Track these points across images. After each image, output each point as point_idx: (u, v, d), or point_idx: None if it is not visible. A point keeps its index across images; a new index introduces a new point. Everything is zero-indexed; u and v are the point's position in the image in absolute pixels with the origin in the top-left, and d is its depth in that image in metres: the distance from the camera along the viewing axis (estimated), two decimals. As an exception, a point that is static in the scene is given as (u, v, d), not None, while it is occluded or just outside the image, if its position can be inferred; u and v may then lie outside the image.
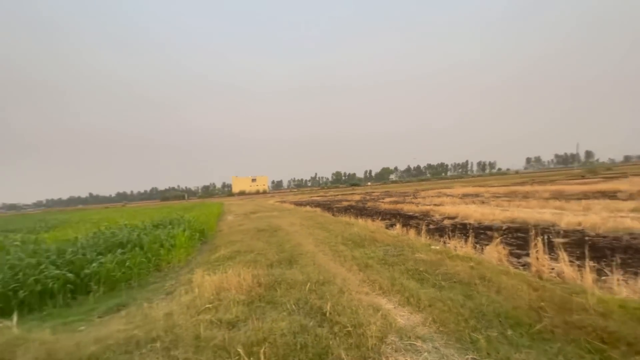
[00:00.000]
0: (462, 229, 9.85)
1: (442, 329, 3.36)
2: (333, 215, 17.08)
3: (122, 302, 5.38)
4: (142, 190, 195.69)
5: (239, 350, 2.98)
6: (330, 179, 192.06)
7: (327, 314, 3.65)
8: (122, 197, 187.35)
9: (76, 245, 8.11)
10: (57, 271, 5.99)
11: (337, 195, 51.03)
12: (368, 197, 34.08)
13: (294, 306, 4.00)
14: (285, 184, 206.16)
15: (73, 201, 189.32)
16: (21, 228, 19.39)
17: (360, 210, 19.01)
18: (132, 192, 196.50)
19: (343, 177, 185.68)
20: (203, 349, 3.12)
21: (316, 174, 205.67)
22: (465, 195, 24.08)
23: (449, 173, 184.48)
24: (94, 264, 6.42)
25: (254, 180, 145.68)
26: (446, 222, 11.89)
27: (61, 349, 3.25)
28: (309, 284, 4.70)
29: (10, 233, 15.99)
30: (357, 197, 35.61)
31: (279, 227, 12.59)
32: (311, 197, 51.75)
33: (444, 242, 7.80)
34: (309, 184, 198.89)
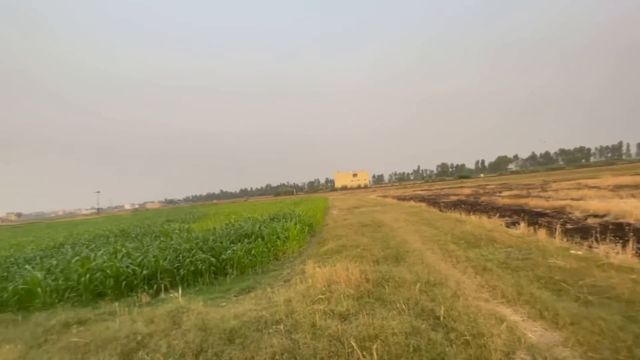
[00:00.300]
0: (615, 230, 7.83)
1: (591, 354, 2.77)
2: (440, 210, 15.95)
3: (251, 285, 6.29)
4: (259, 187, 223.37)
5: (352, 343, 3.12)
6: (435, 171, 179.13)
7: (441, 319, 3.46)
8: (244, 193, 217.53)
9: (215, 234, 9.88)
10: (204, 255, 7.43)
11: (444, 188, 47.28)
12: (481, 191, 30.45)
13: (403, 306, 3.93)
14: (386, 178, 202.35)
15: (209, 197, 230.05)
16: (176, 219, 24.70)
17: (472, 206, 17.17)
18: (251, 188, 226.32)
19: (450, 169, 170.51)
20: (319, 337, 3.39)
21: (419, 166, 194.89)
22: (618, 187, 18.98)
23: (592, 159, 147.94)
24: (229, 251, 7.69)
25: (355, 175, 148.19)
26: (590, 221, 9.64)
27: (211, 320, 4.03)
28: (418, 284, 4.54)
29: (171, 222, 20.56)
30: (467, 191, 32.24)
31: (382, 222, 12.51)
32: (414, 191, 49.49)
33: (589, 247, 6.36)
34: (412, 178, 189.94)
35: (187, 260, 7.19)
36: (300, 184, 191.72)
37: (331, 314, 3.95)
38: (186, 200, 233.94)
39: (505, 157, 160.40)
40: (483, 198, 21.63)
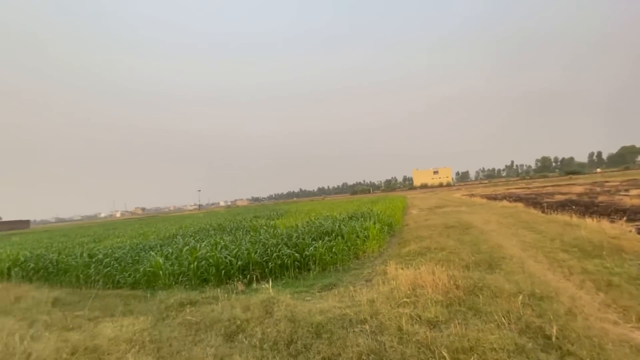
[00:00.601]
0: None
1: None
2: (543, 212, 13.85)
3: (333, 282, 6.44)
4: (335, 185, 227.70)
5: (443, 352, 2.93)
6: (533, 166, 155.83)
7: (553, 339, 2.99)
8: (322, 192, 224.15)
9: (297, 231, 10.42)
10: (289, 251, 7.90)
11: (546, 186, 40.90)
12: (598, 189, 25.41)
13: (502, 319, 3.52)
14: (472, 175, 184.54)
15: (290, 195, 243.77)
16: (262, 215, 26.82)
17: (586, 207, 14.45)
18: (328, 186, 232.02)
19: (553, 164, 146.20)
20: (407, 342, 3.28)
21: (512, 161, 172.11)
22: None
23: None
24: (311, 248, 8.02)
25: (435, 172, 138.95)
26: None
27: (299, 313, 4.25)
28: (520, 295, 4.01)
29: (258, 219, 22.46)
30: (578, 189, 27.26)
31: (470, 224, 11.47)
32: (508, 189, 44.04)
33: None
34: (504, 174, 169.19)
35: (274, 254, 7.73)
36: (376, 182, 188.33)
37: (418, 319, 3.78)
38: (269, 198, 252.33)
39: (633, 147, 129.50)
40: (601, 198, 18.01)
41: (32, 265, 10.28)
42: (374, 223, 11.05)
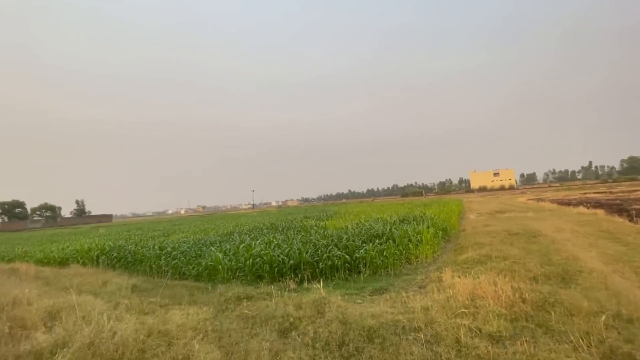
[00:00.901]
0: None
1: None
2: (630, 220, 12.03)
3: (384, 286, 6.32)
4: (385, 187, 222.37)
5: (508, 371, 2.71)
6: (617, 167, 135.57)
7: (646, 369, 2.59)
8: (371, 193, 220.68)
9: (347, 233, 10.42)
10: (339, 252, 7.94)
11: (634, 191, 35.38)
12: None
13: (580, 340, 3.14)
14: (540, 177, 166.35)
15: (339, 196, 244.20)
16: (312, 216, 27.28)
17: (690, 216, 12.18)
18: (378, 188, 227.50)
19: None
20: (465, 356, 3.10)
21: (590, 162, 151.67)
22: None
23: None
24: (361, 250, 7.97)
25: (496, 174, 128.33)
26: None
27: (350, 315, 4.25)
28: (603, 315, 3.53)
29: (308, 219, 22.90)
30: (679, 195, 23.09)
31: (538, 231, 10.40)
32: (584, 193, 39.02)
33: None
34: (579, 177, 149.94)
35: (325, 255, 7.83)
36: (429, 185, 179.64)
37: (478, 332, 3.55)
38: (319, 199, 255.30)
39: None
40: None
41: (115, 254, 11.77)
42: (428, 227, 10.59)
